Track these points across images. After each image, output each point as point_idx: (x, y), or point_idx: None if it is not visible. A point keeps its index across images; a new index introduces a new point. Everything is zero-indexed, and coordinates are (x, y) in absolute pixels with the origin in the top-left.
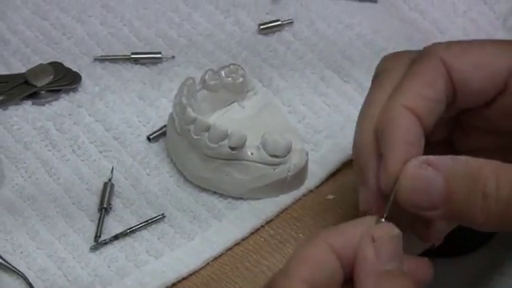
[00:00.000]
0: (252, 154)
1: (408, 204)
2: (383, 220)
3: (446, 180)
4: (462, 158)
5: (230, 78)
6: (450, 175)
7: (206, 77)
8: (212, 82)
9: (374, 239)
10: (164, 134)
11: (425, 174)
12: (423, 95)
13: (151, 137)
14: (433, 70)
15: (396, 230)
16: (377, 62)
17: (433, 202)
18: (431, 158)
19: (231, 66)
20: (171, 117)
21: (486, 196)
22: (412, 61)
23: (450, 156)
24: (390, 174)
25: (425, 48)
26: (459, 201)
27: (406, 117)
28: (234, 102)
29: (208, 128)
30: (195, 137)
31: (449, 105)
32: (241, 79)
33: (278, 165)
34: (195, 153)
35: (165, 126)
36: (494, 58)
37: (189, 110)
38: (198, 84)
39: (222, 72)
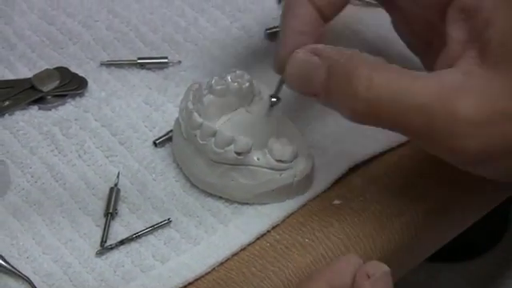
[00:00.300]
0: (258, 159)
1: (293, 87)
2: (274, 99)
3: (327, 71)
4: (348, 52)
5: (236, 83)
6: (332, 67)
7: (213, 82)
8: (218, 87)
9: (368, 276)
10: (170, 138)
11: (309, 62)
12: None
13: (157, 142)
14: None
15: (385, 267)
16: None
17: (314, 89)
18: (320, 47)
19: (237, 72)
20: (177, 122)
21: (355, 95)
22: None
23: (338, 48)
24: (280, 59)
25: None
26: (335, 93)
27: (303, 6)
28: (240, 107)
29: (214, 133)
30: (201, 142)
31: None
32: (247, 84)
33: (284, 170)
34: (201, 158)
35: (171, 130)
36: None
37: (195, 115)
38: (205, 89)
39: (229, 77)
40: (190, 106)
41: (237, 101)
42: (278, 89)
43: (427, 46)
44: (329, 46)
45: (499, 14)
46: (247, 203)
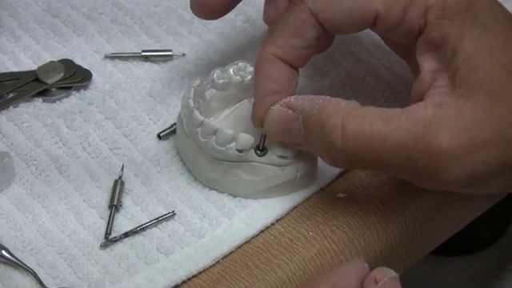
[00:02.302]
0: (259, 154)
1: (276, 141)
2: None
3: (303, 123)
4: (319, 101)
5: (238, 76)
6: (306, 120)
7: (214, 75)
8: (220, 81)
9: (376, 281)
10: (174, 131)
11: (285, 116)
12: (291, 45)
13: (162, 134)
14: (301, 21)
15: (393, 272)
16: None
17: (296, 141)
18: (292, 100)
19: (239, 64)
20: (180, 117)
21: (332, 146)
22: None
23: (310, 97)
24: (257, 119)
25: None
26: (314, 145)
27: (273, 66)
28: (243, 100)
29: (215, 131)
30: (202, 140)
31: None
32: (249, 77)
33: (286, 166)
34: (203, 155)
35: (175, 123)
36: (359, 2)
37: (196, 113)
38: (207, 84)
39: (231, 70)
40: (191, 103)
41: (239, 93)
42: (263, 140)
43: (409, 57)
44: (301, 96)
45: (464, 43)
46: (251, 197)
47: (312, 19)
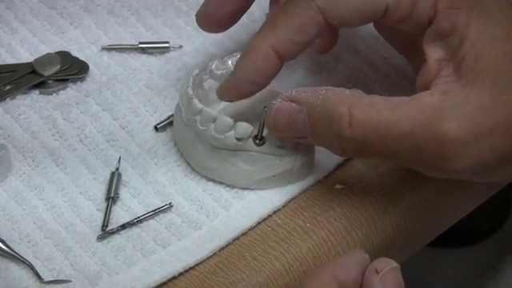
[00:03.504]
0: (258, 144)
1: (278, 135)
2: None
3: (308, 115)
4: (322, 92)
5: None
6: (311, 111)
7: (213, 66)
8: (219, 72)
9: (377, 271)
10: (171, 123)
11: (289, 110)
12: (292, 40)
13: (158, 126)
14: (308, 17)
15: (394, 263)
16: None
17: (300, 134)
18: (294, 93)
19: (238, 55)
20: (178, 107)
21: (340, 136)
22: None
23: (312, 89)
24: (227, 97)
25: None
26: (320, 136)
27: (267, 58)
28: None
29: (214, 119)
30: (201, 128)
31: None
32: None
33: (284, 156)
34: (201, 143)
35: (172, 115)
36: None
37: (195, 101)
38: (205, 74)
39: (229, 61)
40: (190, 91)
41: None
42: (261, 129)
43: (410, 50)
44: (302, 88)
45: (471, 31)
46: (248, 188)
47: (319, 16)
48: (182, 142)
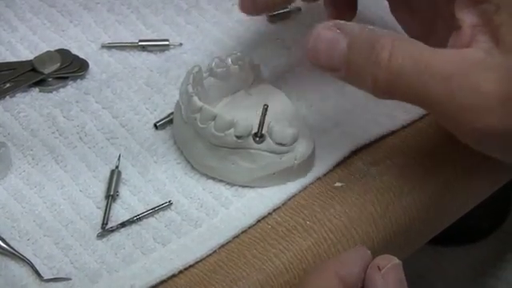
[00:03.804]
0: (258, 141)
1: (314, 62)
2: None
3: (348, 44)
4: (370, 27)
5: (237, 66)
6: (353, 40)
7: (213, 64)
8: (219, 70)
9: (379, 268)
10: (171, 121)
11: (331, 35)
12: None
13: (158, 124)
14: None
15: (396, 260)
16: None
17: (334, 63)
18: (342, 22)
19: (238, 54)
20: (178, 105)
21: (378, 63)
22: None
23: (360, 24)
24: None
25: None
26: (355, 65)
27: None
28: (241, 90)
29: (214, 117)
30: (201, 125)
31: None
32: (248, 66)
33: (284, 153)
34: (201, 141)
35: (172, 113)
36: None
37: (195, 98)
38: (205, 72)
39: (229, 59)
40: (190, 89)
41: (238, 83)
42: (261, 127)
43: (428, 30)
44: (351, 22)
45: (506, 1)
46: (248, 186)
47: None
48: (182, 139)
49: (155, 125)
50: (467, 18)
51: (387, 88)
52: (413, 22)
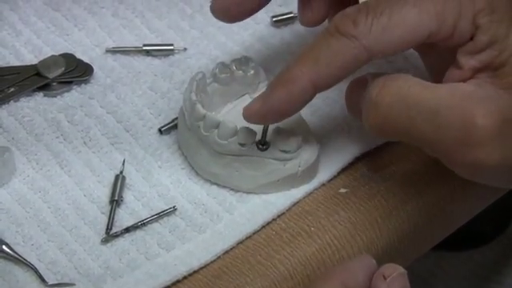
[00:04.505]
0: (261, 149)
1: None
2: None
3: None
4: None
5: (240, 71)
6: (351, 81)
7: (217, 70)
8: (222, 76)
9: (385, 277)
10: (176, 126)
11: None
12: (333, 76)
13: (163, 129)
14: (352, 56)
15: (402, 269)
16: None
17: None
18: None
19: (242, 59)
20: (181, 111)
21: (369, 103)
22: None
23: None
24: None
25: (339, 26)
26: (362, 108)
27: (305, 93)
28: (245, 95)
29: (217, 125)
30: (205, 133)
31: None
32: (252, 72)
33: (288, 160)
34: (205, 148)
35: (176, 118)
36: (411, 27)
37: (198, 106)
38: (209, 78)
39: (233, 65)
40: (194, 97)
41: (242, 88)
42: (265, 135)
43: (430, 50)
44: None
45: (510, 42)
46: (252, 192)
47: (364, 55)
48: (186, 146)
49: (160, 130)
50: (469, 62)
51: (378, 126)
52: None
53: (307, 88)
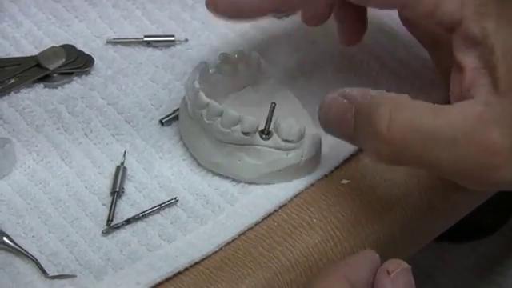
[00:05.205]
0: (264, 138)
1: (326, 131)
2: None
3: (355, 114)
4: (372, 93)
5: (243, 62)
6: (358, 109)
7: (220, 61)
8: (226, 67)
9: (388, 272)
10: (177, 117)
11: (338, 106)
12: None
13: (164, 120)
14: None
15: (405, 264)
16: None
17: (346, 132)
18: (348, 90)
19: (244, 50)
20: (184, 101)
21: (377, 136)
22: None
23: (365, 89)
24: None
25: None
26: (361, 136)
27: None
28: (247, 86)
29: (220, 113)
30: (207, 121)
31: None
32: (254, 63)
33: (291, 150)
34: (207, 137)
35: (177, 109)
36: None
37: (201, 94)
38: (211, 68)
39: (236, 56)
40: (197, 85)
41: (244, 80)
42: (268, 124)
43: (436, 44)
44: (356, 88)
45: (500, 41)
46: (254, 183)
47: None
48: (188, 135)
49: (161, 121)
50: (468, 61)
51: (392, 159)
52: (419, 37)
53: None
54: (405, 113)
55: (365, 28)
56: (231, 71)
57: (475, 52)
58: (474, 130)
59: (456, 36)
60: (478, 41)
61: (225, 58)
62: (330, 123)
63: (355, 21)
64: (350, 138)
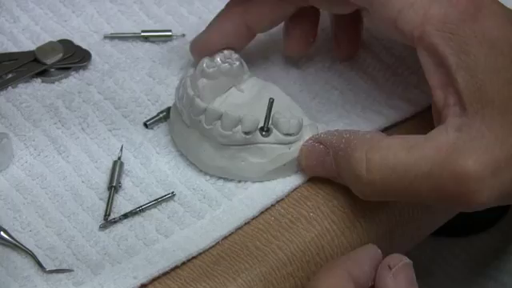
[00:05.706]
0: (265, 135)
1: (311, 175)
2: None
3: (334, 157)
4: (346, 135)
5: (226, 64)
6: (335, 153)
7: (204, 65)
8: (211, 70)
9: (390, 267)
10: (161, 120)
11: (317, 152)
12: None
13: (148, 123)
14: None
15: (407, 259)
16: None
17: (330, 174)
18: (323, 135)
19: (225, 52)
20: (175, 111)
21: (358, 180)
22: None
23: (339, 132)
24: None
25: None
26: (345, 177)
27: (231, 22)
28: (231, 87)
29: (220, 116)
30: (207, 127)
31: None
32: (237, 63)
33: (292, 143)
34: (208, 143)
35: (162, 112)
36: None
37: (197, 100)
38: (197, 74)
39: (218, 58)
40: (191, 92)
41: (228, 81)
42: (267, 121)
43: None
44: (331, 131)
45: (470, 59)
46: (260, 181)
47: None
48: (186, 144)
49: (145, 123)
50: (435, 80)
51: (376, 197)
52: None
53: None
54: (380, 153)
55: (356, 50)
56: (217, 74)
57: (441, 69)
58: (447, 161)
59: (420, 52)
60: (441, 58)
61: (209, 62)
62: (312, 169)
63: (351, 35)
64: (335, 178)
